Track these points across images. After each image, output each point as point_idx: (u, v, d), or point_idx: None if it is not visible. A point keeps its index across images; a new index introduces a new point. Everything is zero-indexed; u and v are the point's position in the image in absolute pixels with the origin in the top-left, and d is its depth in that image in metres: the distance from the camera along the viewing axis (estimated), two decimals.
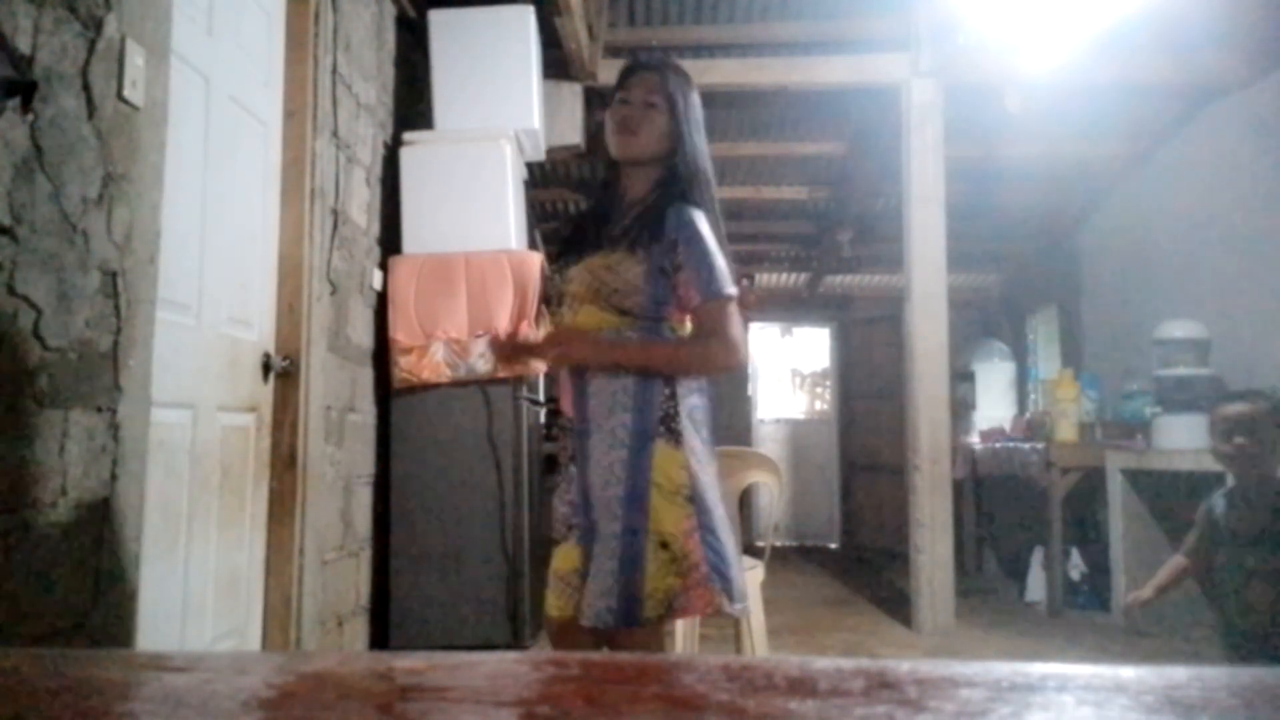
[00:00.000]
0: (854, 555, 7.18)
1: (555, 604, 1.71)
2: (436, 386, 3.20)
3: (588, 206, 1.87)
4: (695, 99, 1.83)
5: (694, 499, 1.64)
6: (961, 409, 5.83)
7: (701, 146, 1.80)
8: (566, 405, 1.75)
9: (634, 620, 1.60)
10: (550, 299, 1.80)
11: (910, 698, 0.40)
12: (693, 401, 1.69)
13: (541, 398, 3.75)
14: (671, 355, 1.69)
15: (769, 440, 8.14)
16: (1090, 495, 4.73)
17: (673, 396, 1.67)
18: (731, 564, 1.66)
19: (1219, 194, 4.48)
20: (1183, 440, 3.95)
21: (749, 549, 3.11)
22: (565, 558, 1.72)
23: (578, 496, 1.71)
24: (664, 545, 1.62)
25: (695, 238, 1.67)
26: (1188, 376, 4.10)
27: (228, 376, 2.28)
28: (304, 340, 2.60)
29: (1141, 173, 5.27)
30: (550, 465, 1.87)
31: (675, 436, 1.65)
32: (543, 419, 3.77)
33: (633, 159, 1.76)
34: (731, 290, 1.68)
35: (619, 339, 1.67)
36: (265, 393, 2.50)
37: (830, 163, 5.72)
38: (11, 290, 1.38)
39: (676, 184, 1.74)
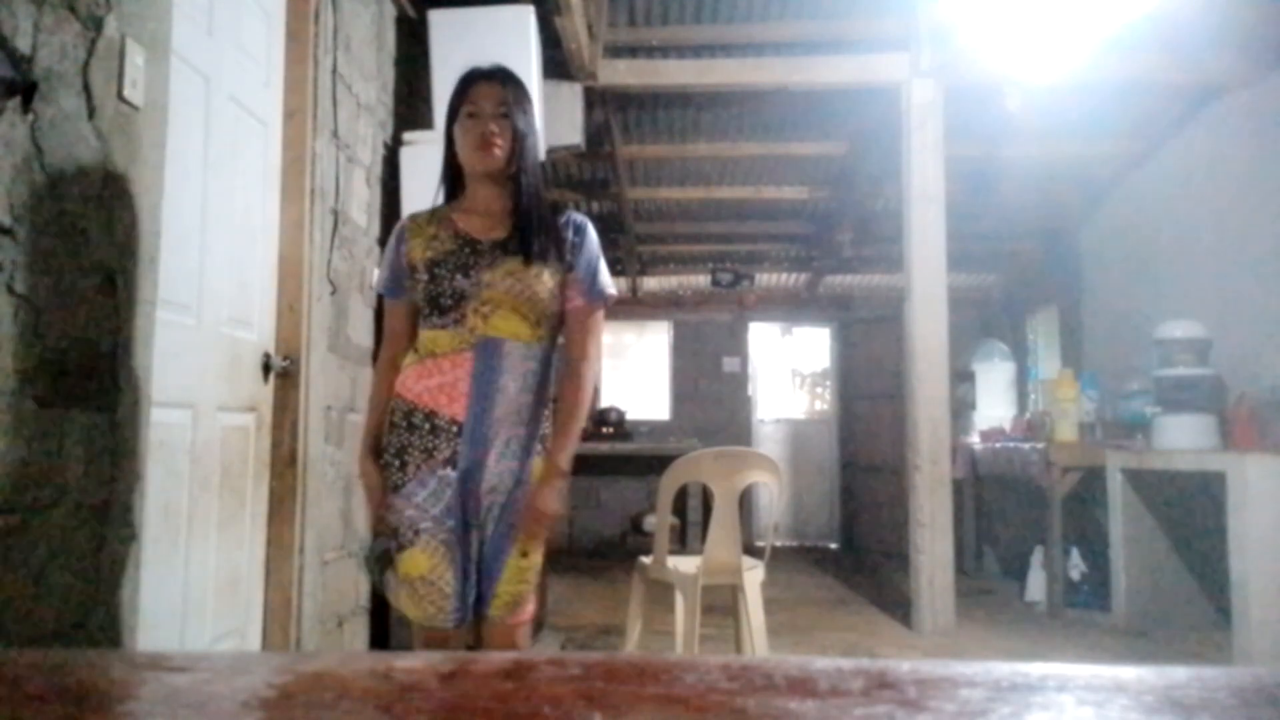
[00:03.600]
0: (854, 555, 7.18)
1: (414, 612, 1.74)
2: None
3: (441, 197, 1.87)
4: (531, 106, 1.87)
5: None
6: (961, 409, 5.83)
7: (535, 148, 1.86)
8: (450, 407, 1.72)
9: (479, 613, 1.76)
10: (439, 298, 1.73)
11: (910, 698, 0.41)
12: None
13: None
14: (583, 405, 1.81)
15: (769, 440, 8.14)
16: (1090, 495, 4.73)
17: (549, 416, 1.82)
18: None
19: (1219, 194, 4.48)
20: (1183, 440, 3.95)
21: (749, 549, 3.11)
22: (415, 563, 1.71)
23: (453, 500, 1.72)
24: (524, 554, 1.76)
25: (586, 241, 1.81)
26: (1188, 376, 4.10)
27: (228, 376, 2.28)
28: (304, 340, 2.60)
29: (1141, 172, 5.27)
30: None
31: (545, 452, 1.79)
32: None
33: (494, 172, 1.77)
34: (612, 291, 1.84)
35: (560, 453, 1.76)
36: (265, 393, 2.50)
37: (830, 163, 5.72)
38: (11, 290, 1.38)
39: (536, 192, 1.80)
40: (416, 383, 1.75)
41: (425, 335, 1.77)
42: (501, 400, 1.72)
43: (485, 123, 1.74)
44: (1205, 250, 4.56)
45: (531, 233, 1.75)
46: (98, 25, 1.58)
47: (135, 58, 1.67)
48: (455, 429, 1.71)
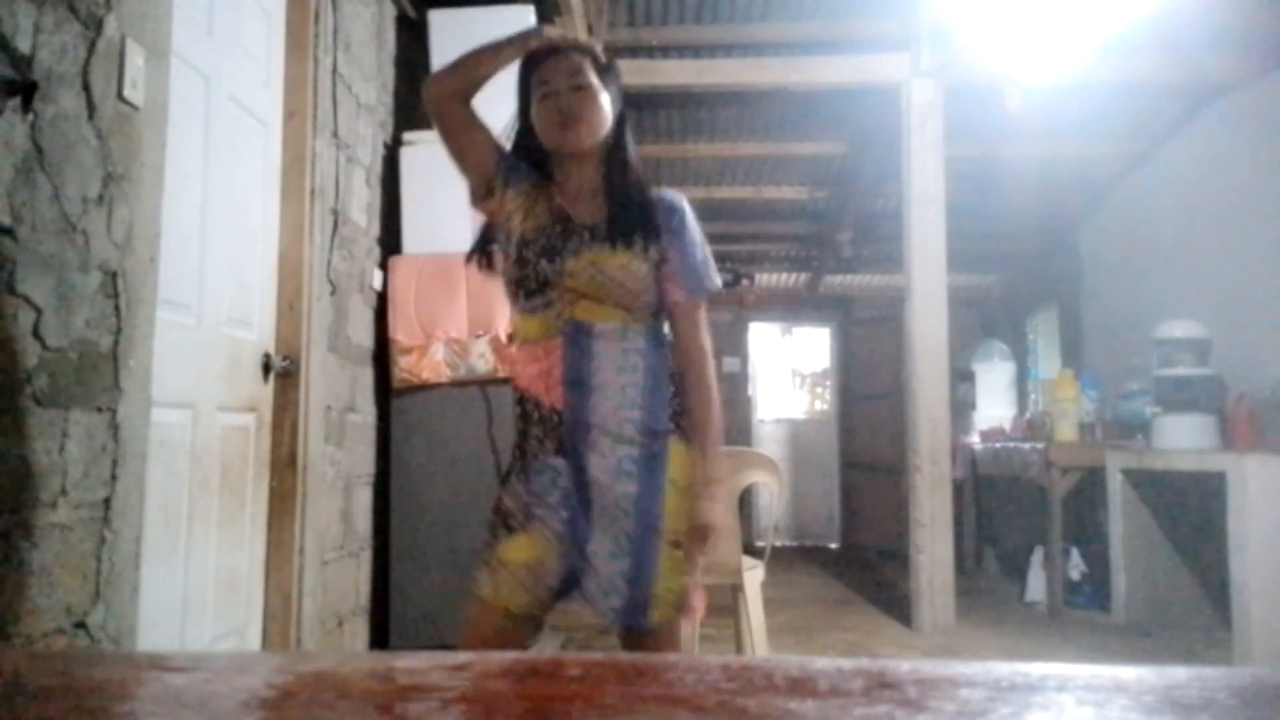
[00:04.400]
0: (854, 555, 7.18)
1: (492, 591, 1.60)
2: (436, 386, 3.20)
3: (525, 166, 1.72)
4: (618, 78, 1.73)
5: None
6: (961, 409, 5.83)
7: (627, 124, 1.76)
8: (548, 396, 1.63)
9: (640, 622, 1.58)
10: (525, 282, 1.64)
11: (910, 698, 0.41)
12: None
13: None
14: (713, 406, 1.68)
15: (769, 440, 8.13)
16: (1090, 495, 4.73)
17: (676, 396, 1.67)
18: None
19: (1219, 194, 4.48)
20: (1183, 440, 3.95)
21: (749, 549, 3.11)
22: (519, 548, 1.61)
23: (567, 491, 1.62)
24: (676, 544, 1.60)
25: (684, 226, 1.68)
26: (1188, 376, 4.10)
27: (228, 376, 2.28)
28: (304, 340, 2.60)
29: (1141, 173, 5.27)
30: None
31: (685, 434, 1.65)
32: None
33: (582, 149, 1.65)
34: (717, 284, 1.71)
35: (712, 450, 1.66)
36: (265, 393, 2.50)
37: (830, 163, 5.72)
38: (11, 290, 1.38)
39: (631, 172, 1.71)
40: (524, 370, 1.67)
41: (518, 320, 1.68)
42: (599, 385, 1.60)
43: (561, 98, 1.62)
44: (1205, 250, 4.56)
45: (622, 217, 1.63)
46: (98, 25, 1.58)
47: (135, 58, 1.67)
48: (556, 418, 1.61)
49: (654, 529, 1.59)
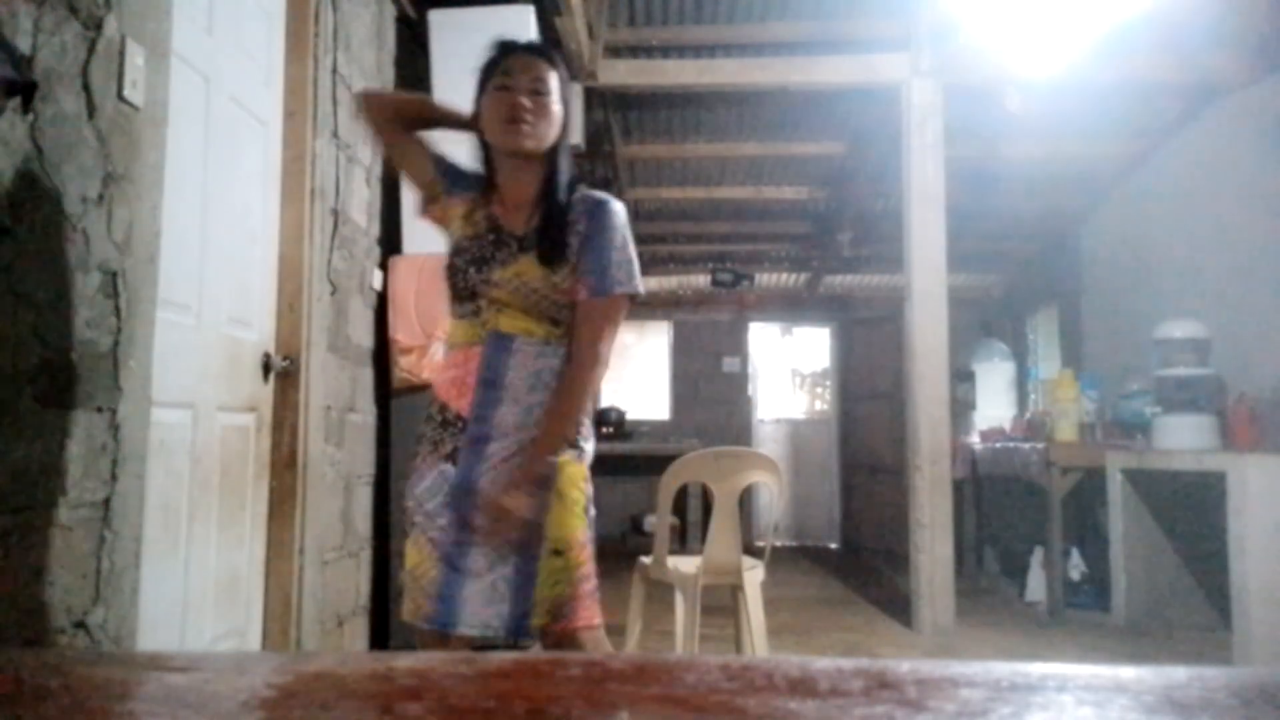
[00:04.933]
0: (854, 555, 7.18)
1: (409, 606, 1.62)
2: None
3: (470, 173, 1.72)
4: (570, 86, 1.73)
5: (586, 511, 1.66)
6: (961, 409, 5.83)
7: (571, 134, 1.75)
8: (458, 402, 1.63)
9: (522, 632, 1.58)
10: (455, 288, 1.65)
11: (910, 698, 0.41)
12: (588, 416, 1.71)
13: None
14: (568, 408, 1.63)
15: (769, 440, 8.14)
16: (1090, 495, 4.73)
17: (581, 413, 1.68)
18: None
19: (1219, 194, 4.48)
20: (1183, 440, 3.95)
21: (749, 549, 3.11)
22: (408, 555, 1.64)
23: (448, 497, 1.61)
24: (557, 552, 1.59)
25: (601, 226, 1.65)
26: (1188, 376, 4.10)
27: (228, 376, 2.28)
28: (304, 340, 2.60)
29: (1141, 173, 5.27)
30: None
31: (580, 453, 1.67)
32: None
33: (526, 152, 1.63)
34: (625, 288, 1.65)
35: (538, 438, 1.60)
36: (265, 393, 2.50)
37: (830, 163, 5.72)
38: (11, 290, 1.38)
39: (566, 185, 1.68)
40: (441, 373, 1.70)
41: (449, 324, 1.71)
42: (507, 399, 1.60)
43: (517, 95, 1.61)
44: (1205, 250, 4.56)
45: (553, 229, 1.62)
46: (98, 25, 1.58)
47: (135, 58, 1.67)
48: (460, 424, 1.63)
49: (538, 537, 1.59)
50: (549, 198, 1.66)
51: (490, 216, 1.68)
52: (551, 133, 1.65)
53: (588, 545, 1.64)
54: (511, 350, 1.62)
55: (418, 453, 1.68)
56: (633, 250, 1.69)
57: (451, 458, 1.63)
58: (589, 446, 1.71)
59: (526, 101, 1.60)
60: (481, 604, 1.58)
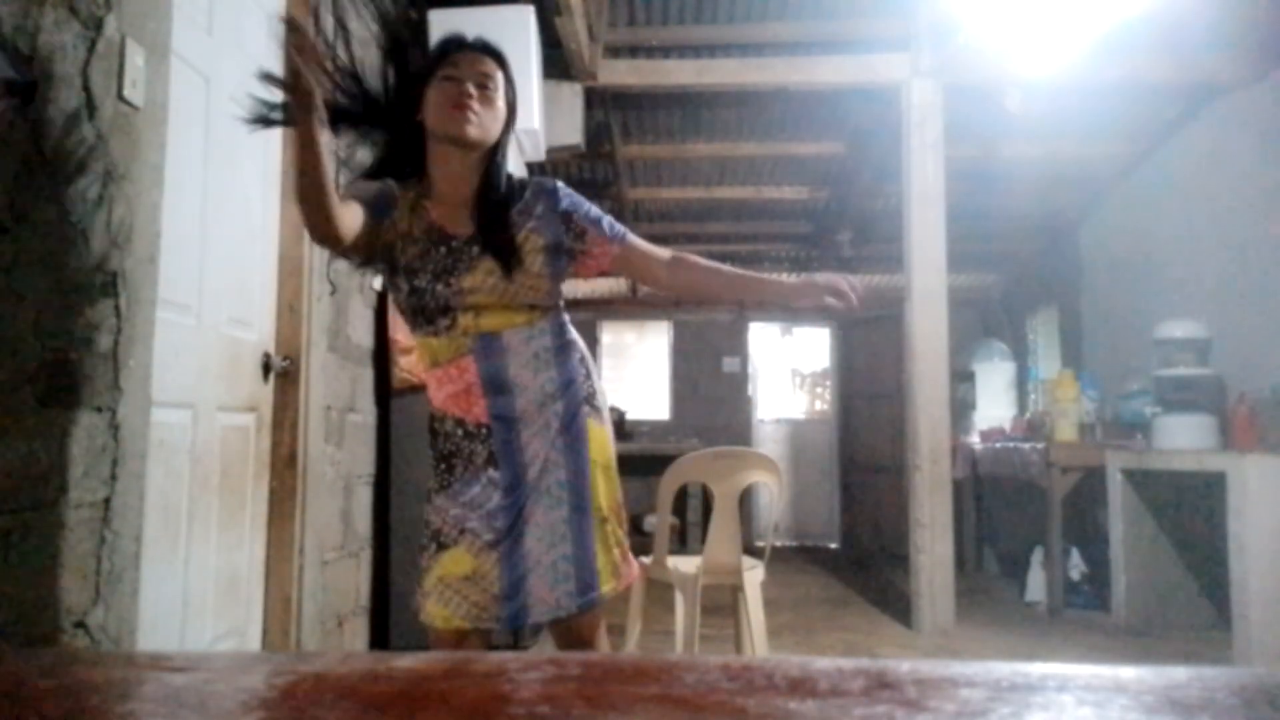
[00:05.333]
0: (854, 555, 7.18)
1: (441, 614, 1.62)
2: None
3: (384, 181, 1.67)
4: (514, 89, 1.73)
5: (615, 470, 1.74)
6: (961, 409, 5.83)
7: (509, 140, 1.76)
8: (471, 412, 1.65)
9: (595, 599, 1.64)
10: (424, 310, 1.63)
11: (910, 698, 0.41)
12: (597, 381, 1.77)
13: None
14: (720, 267, 1.77)
15: (769, 440, 8.14)
16: (1090, 495, 4.73)
17: (589, 376, 1.73)
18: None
19: (1219, 194, 4.48)
20: (1183, 440, 3.95)
21: (749, 549, 3.11)
22: (456, 562, 1.62)
23: (501, 497, 1.63)
24: (603, 520, 1.68)
25: (578, 199, 1.73)
26: (1188, 376, 4.10)
27: (228, 376, 2.28)
28: (304, 340, 2.60)
29: (1141, 173, 5.27)
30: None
31: (598, 413, 1.73)
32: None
33: (469, 140, 1.61)
34: (621, 227, 1.75)
35: (751, 281, 1.79)
36: (265, 393, 2.50)
37: (830, 163, 5.72)
38: (11, 290, 1.38)
39: (501, 173, 1.68)
40: (438, 391, 1.69)
41: (422, 344, 1.68)
42: (519, 390, 1.64)
43: (464, 84, 1.60)
44: (1205, 250, 4.56)
45: (496, 233, 1.63)
46: (98, 25, 1.58)
47: (135, 58, 1.67)
48: (484, 430, 1.64)
49: (585, 509, 1.66)
50: (487, 192, 1.66)
51: (430, 228, 1.64)
52: (495, 128, 1.65)
53: (620, 506, 1.74)
54: (503, 346, 1.64)
55: (451, 467, 1.66)
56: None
57: (491, 462, 1.65)
58: (605, 411, 1.77)
59: (472, 90, 1.61)
60: (546, 589, 1.62)
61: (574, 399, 1.69)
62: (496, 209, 1.65)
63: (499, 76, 1.66)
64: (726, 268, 1.77)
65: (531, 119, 3.47)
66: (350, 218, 1.53)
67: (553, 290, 1.70)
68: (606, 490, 1.70)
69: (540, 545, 1.63)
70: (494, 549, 1.62)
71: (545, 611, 1.62)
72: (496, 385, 1.64)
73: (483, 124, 1.62)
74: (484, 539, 1.62)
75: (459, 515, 1.64)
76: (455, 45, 1.68)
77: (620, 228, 1.74)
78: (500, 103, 1.66)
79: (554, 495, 1.65)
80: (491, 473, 1.64)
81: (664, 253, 1.75)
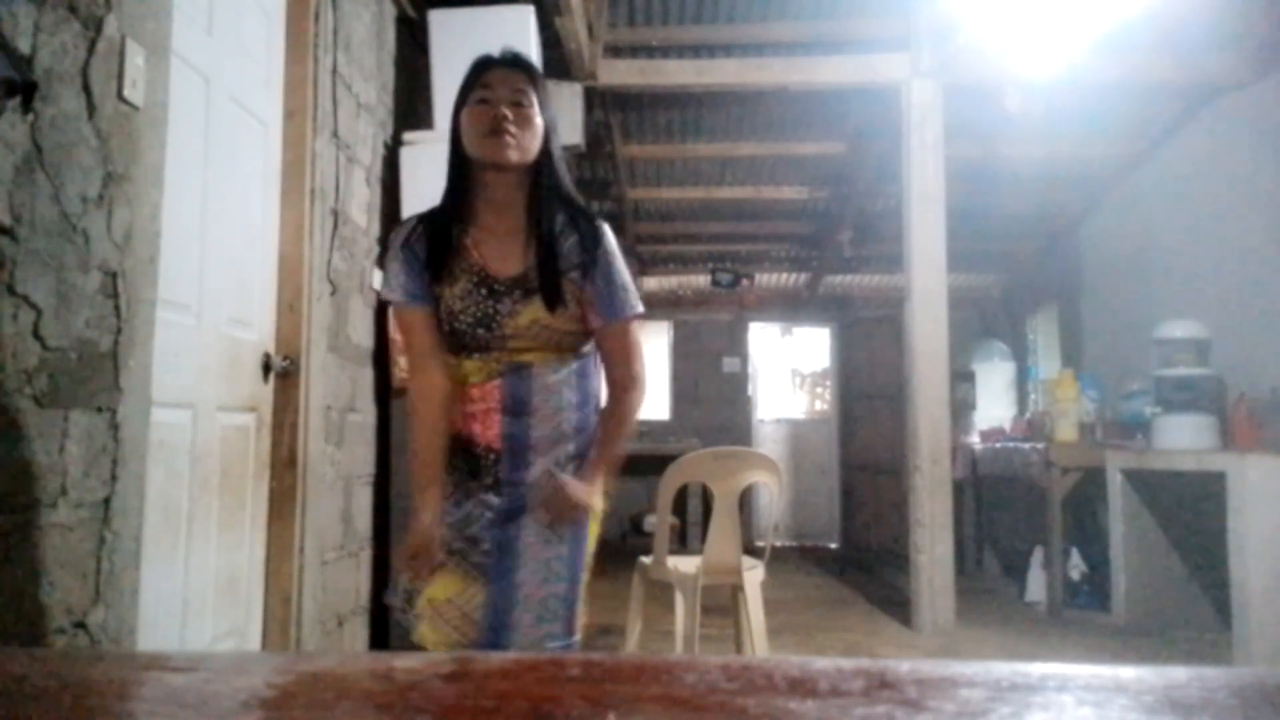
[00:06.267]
0: (854, 555, 7.18)
1: (432, 637, 1.62)
2: None
3: (437, 219, 1.66)
4: (553, 103, 1.70)
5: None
6: (961, 409, 5.83)
7: (561, 155, 1.70)
8: (486, 434, 1.63)
9: (575, 644, 1.64)
10: (463, 347, 1.63)
11: (910, 698, 0.40)
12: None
13: None
14: (626, 431, 1.71)
15: (769, 440, 8.14)
16: (1090, 495, 4.73)
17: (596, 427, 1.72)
18: None
19: (1219, 194, 4.48)
20: (1183, 440, 3.95)
21: (749, 549, 3.11)
22: (443, 585, 1.61)
23: (492, 520, 1.61)
24: (588, 568, 1.68)
25: (608, 250, 1.64)
26: (1188, 376, 4.10)
27: (228, 376, 2.28)
28: (304, 340, 2.60)
29: (1141, 173, 5.27)
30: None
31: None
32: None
33: (508, 164, 1.58)
34: (637, 310, 1.68)
35: (593, 460, 1.66)
36: (265, 393, 2.50)
37: (830, 163, 5.72)
38: (11, 290, 1.38)
39: (559, 200, 1.64)
40: (457, 407, 1.66)
41: (453, 361, 1.65)
42: (536, 421, 1.62)
43: (498, 107, 1.57)
44: (1205, 250, 4.56)
45: (549, 273, 1.59)
46: (98, 25, 1.58)
47: (135, 58, 1.67)
48: (493, 456, 1.62)
49: (581, 552, 1.64)
50: (541, 227, 1.60)
51: (473, 268, 1.61)
52: (533, 146, 1.60)
53: (592, 555, 1.72)
54: (532, 376, 1.62)
55: (451, 489, 1.66)
56: (630, 273, 1.70)
57: (493, 489, 1.62)
58: None
59: (508, 112, 1.57)
60: (532, 623, 1.59)
61: (585, 443, 1.66)
62: (549, 246, 1.60)
63: (532, 92, 1.62)
64: (614, 437, 1.68)
65: None
66: (440, 347, 1.65)
67: (580, 334, 1.66)
68: (594, 536, 1.69)
69: (534, 580, 1.60)
70: (482, 573, 1.60)
71: (530, 648, 1.59)
72: (517, 409, 1.62)
73: (521, 144, 1.58)
74: (470, 560, 1.61)
75: (446, 537, 1.63)
76: (486, 65, 1.63)
77: (619, 313, 1.65)
78: (538, 119, 1.61)
79: (555, 532, 1.62)
80: (488, 497, 1.62)
81: (628, 373, 1.68)
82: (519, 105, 1.59)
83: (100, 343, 1.60)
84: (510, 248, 1.62)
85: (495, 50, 1.66)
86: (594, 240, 1.62)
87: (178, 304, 2.02)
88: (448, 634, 1.60)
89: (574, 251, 1.62)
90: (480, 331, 1.60)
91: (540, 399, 1.63)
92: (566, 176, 1.69)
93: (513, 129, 1.56)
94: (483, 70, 1.62)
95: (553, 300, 1.59)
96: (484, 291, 1.60)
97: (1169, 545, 4.22)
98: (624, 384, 1.69)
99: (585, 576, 1.67)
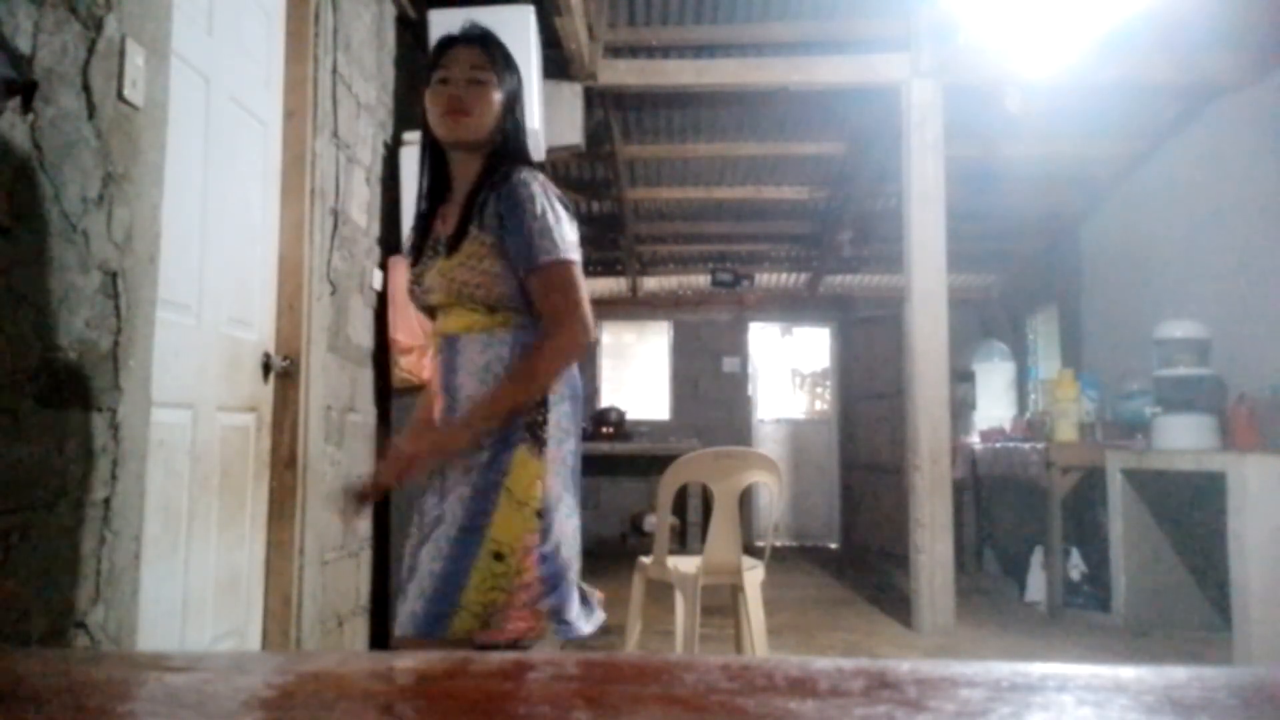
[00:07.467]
0: (854, 555, 7.18)
1: None
2: None
3: (423, 205, 1.70)
4: (518, 74, 1.68)
5: (543, 514, 1.52)
6: (961, 409, 5.83)
7: (524, 124, 1.68)
8: (436, 409, 1.63)
9: (438, 631, 1.47)
10: (419, 308, 1.68)
11: (910, 698, 0.40)
12: (564, 409, 1.59)
13: None
14: (526, 382, 1.53)
15: (769, 440, 8.14)
16: (1090, 495, 4.73)
17: (543, 404, 1.56)
18: (565, 589, 1.54)
19: (1219, 194, 4.48)
20: (1183, 440, 3.95)
21: (749, 549, 3.11)
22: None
23: (435, 504, 1.57)
24: (498, 556, 1.49)
25: (515, 201, 1.54)
26: (1188, 376, 4.10)
27: (228, 376, 2.28)
28: (304, 340, 2.60)
29: (1141, 173, 5.27)
30: None
31: (539, 444, 1.55)
32: None
33: (466, 141, 1.60)
34: (554, 255, 1.52)
35: (468, 410, 1.54)
36: (265, 393, 2.50)
37: (830, 163, 5.72)
38: (11, 290, 1.38)
39: (504, 161, 1.61)
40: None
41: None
42: (461, 398, 1.57)
43: (454, 86, 1.58)
44: (1205, 250, 4.56)
45: (463, 221, 1.57)
46: (98, 25, 1.58)
47: (135, 58, 1.67)
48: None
49: (476, 532, 1.50)
50: (479, 185, 1.59)
51: (435, 240, 1.64)
52: (487, 120, 1.60)
53: (534, 551, 1.50)
54: (458, 350, 1.59)
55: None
56: (555, 217, 1.56)
57: (437, 470, 1.59)
58: (565, 445, 1.59)
59: (461, 92, 1.58)
60: (410, 599, 1.52)
61: (513, 420, 1.54)
62: (469, 200, 1.59)
63: (491, 67, 1.61)
64: (510, 381, 1.54)
65: (532, 119, 3.47)
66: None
67: (506, 295, 1.56)
68: (509, 524, 1.50)
69: (427, 555, 1.53)
70: (409, 554, 1.60)
71: (401, 624, 1.52)
72: (447, 388, 1.60)
73: (475, 122, 1.59)
74: (412, 543, 1.60)
75: (415, 521, 1.63)
76: (445, 45, 1.64)
77: (531, 258, 1.52)
78: (495, 92, 1.60)
79: (453, 510, 1.53)
80: (435, 479, 1.59)
81: (550, 320, 1.54)
82: (476, 83, 1.59)
83: (100, 343, 1.60)
84: (457, 214, 1.62)
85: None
86: (505, 194, 1.56)
87: (178, 304, 2.02)
88: None
89: (492, 207, 1.56)
90: (416, 289, 1.65)
91: (465, 374, 1.57)
92: (522, 142, 1.67)
93: (465, 108, 1.58)
94: (442, 51, 1.63)
95: (453, 241, 1.57)
96: (430, 252, 1.64)
97: (1169, 545, 4.22)
98: (544, 331, 1.54)
99: (495, 567, 1.48)
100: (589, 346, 1.59)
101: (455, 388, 1.59)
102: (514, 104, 1.65)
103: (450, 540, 1.51)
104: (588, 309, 1.56)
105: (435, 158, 1.69)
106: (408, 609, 1.52)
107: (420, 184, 1.72)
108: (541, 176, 1.62)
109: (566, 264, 1.54)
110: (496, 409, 1.53)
